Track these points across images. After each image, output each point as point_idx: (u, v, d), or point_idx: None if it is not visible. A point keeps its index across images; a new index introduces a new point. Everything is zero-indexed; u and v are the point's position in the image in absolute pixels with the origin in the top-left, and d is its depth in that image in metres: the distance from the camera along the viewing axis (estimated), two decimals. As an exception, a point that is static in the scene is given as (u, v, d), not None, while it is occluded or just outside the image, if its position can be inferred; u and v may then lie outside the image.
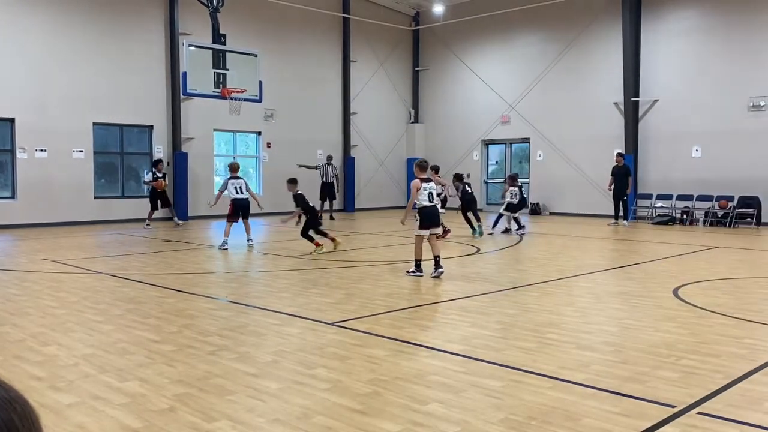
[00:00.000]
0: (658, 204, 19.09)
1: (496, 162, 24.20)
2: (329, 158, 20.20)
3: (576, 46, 20.96)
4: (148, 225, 16.65)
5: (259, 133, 21.26)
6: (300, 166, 19.70)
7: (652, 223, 18.32)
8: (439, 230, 9.35)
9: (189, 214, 19.19)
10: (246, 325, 6.47)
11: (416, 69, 25.69)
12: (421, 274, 8.97)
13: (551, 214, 21.07)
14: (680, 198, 18.61)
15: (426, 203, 9.12)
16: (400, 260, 10.82)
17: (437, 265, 8.99)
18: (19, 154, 16.60)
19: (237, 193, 12.74)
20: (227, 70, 14.81)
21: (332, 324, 6.29)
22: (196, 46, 14.83)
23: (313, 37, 22.48)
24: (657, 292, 7.98)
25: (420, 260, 9.06)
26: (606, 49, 20.18)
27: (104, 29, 17.80)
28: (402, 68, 25.44)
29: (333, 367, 4.90)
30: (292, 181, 12.02)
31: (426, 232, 9.08)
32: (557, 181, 21.05)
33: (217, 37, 14.88)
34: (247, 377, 4.66)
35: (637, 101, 19.47)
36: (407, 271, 9.15)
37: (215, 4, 15.10)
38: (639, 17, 19.44)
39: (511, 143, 23.35)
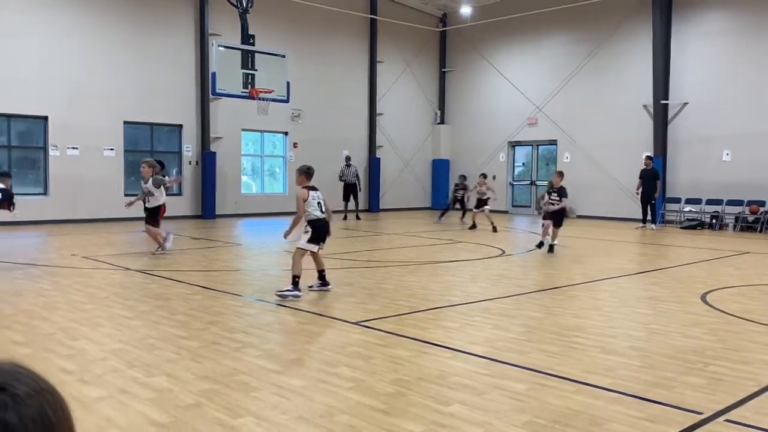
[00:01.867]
0: (687, 208, 18.81)
1: (523, 164, 24.06)
2: (348, 159, 20.15)
3: (604, 47, 20.76)
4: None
5: (286, 133, 21.40)
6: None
7: (681, 228, 18.07)
8: (325, 245, 8.06)
9: (216, 213, 19.40)
10: (271, 322, 6.52)
11: (443, 70, 25.64)
12: (300, 293, 7.54)
13: (578, 217, 20.89)
14: (710, 202, 18.32)
15: (318, 215, 7.77)
16: (425, 261, 10.82)
17: (323, 281, 8.01)
18: (51, 152, 16.92)
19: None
20: (256, 70, 14.93)
21: (356, 323, 6.31)
22: (225, 47, 14.98)
23: (341, 38, 22.57)
24: (685, 298, 7.88)
25: (299, 277, 7.60)
26: (635, 51, 19.95)
27: (136, 29, 18.06)
28: (428, 69, 25.42)
29: (356, 366, 4.92)
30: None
31: (316, 247, 7.78)
32: (584, 184, 20.82)
33: (246, 37, 15.00)
34: (272, 374, 4.70)
35: (667, 104, 19.21)
36: (278, 292, 7.59)
37: (245, 5, 15.23)
38: (669, 18, 19.18)
39: (537, 145, 23.20)
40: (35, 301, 7.29)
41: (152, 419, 3.84)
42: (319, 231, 7.80)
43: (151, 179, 11.01)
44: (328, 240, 8.05)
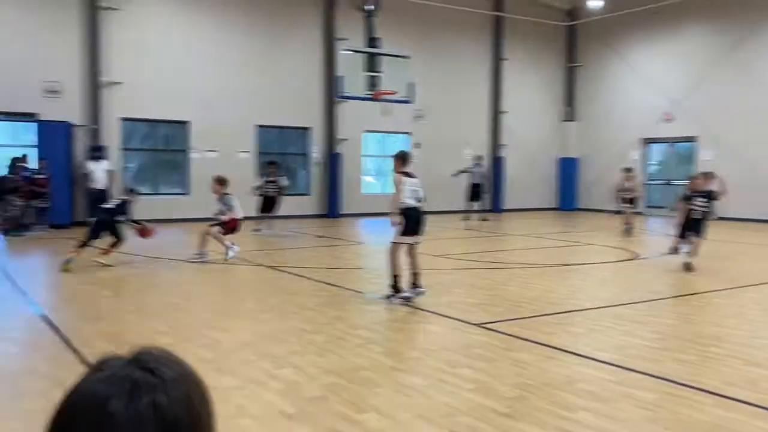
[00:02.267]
0: None
1: (658, 162, 22.81)
2: (479, 159, 19.99)
3: (750, 37, 19.21)
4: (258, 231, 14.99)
5: (409, 134, 21.57)
6: (458, 172, 19.27)
7: (840, 231, 16.42)
8: (421, 238, 7.54)
9: (341, 212, 19.93)
10: (393, 320, 6.61)
11: (570, 65, 24.83)
12: (407, 294, 7.26)
13: (721, 218, 19.49)
14: None
15: (412, 203, 7.27)
16: (551, 263, 10.54)
17: (416, 285, 7.37)
18: (192, 154, 18.13)
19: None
20: (380, 72, 15.16)
21: (477, 325, 6.25)
22: (351, 50, 15.33)
23: (464, 37, 22.44)
24: (843, 308, 7.16)
25: (400, 276, 7.29)
26: (787, 38, 18.34)
27: (267, 37, 18.91)
28: (555, 65, 24.71)
29: (478, 367, 4.88)
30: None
31: (411, 240, 7.32)
32: (729, 184, 19.38)
33: (372, 40, 15.27)
34: (394, 372, 4.77)
35: (824, 95, 17.52)
36: (388, 296, 7.30)
37: (371, 8, 15.50)
38: (828, 2, 17.48)
39: (674, 142, 21.91)
40: (178, 292, 7.83)
41: (281, 409, 4.01)
42: (413, 221, 7.30)
43: (219, 198, 10.91)
44: (424, 232, 7.57)
